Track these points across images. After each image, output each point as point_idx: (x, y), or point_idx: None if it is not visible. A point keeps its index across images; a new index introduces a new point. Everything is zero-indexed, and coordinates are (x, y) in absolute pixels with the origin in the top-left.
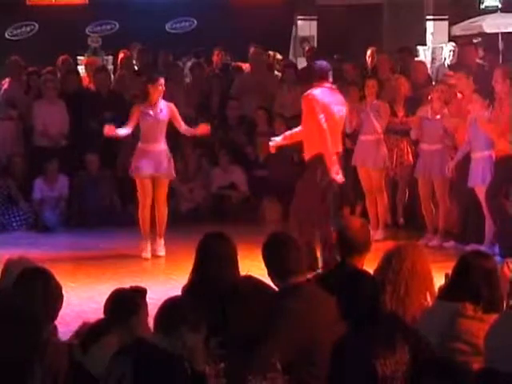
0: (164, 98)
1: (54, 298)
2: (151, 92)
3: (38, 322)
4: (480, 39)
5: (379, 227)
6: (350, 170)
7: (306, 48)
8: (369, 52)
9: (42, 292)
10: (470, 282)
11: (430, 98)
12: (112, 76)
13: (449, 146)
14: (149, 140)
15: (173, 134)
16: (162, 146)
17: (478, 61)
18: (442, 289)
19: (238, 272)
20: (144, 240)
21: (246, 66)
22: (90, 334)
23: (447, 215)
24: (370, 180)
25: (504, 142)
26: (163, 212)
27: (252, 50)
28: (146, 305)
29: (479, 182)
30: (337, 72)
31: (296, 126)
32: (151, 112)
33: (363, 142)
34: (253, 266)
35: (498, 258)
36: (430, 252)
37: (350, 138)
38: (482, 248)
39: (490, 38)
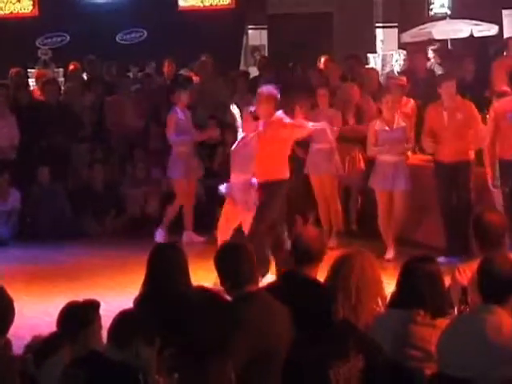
0: (113, 109)
1: (5, 311)
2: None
3: None
4: (436, 45)
5: (332, 234)
6: (301, 179)
7: (258, 57)
8: (322, 59)
9: None
10: (415, 287)
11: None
12: (62, 88)
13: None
14: None
15: (126, 144)
16: None
17: (428, 67)
18: (392, 295)
19: (190, 282)
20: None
21: (195, 76)
22: (42, 347)
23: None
24: (323, 188)
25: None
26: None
27: (200, 59)
28: (99, 318)
29: None
30: (290, 80)
31: None
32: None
33: (316, 150)
34: (206, 276)
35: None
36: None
37: (301, 146)
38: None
39: (441, 45)
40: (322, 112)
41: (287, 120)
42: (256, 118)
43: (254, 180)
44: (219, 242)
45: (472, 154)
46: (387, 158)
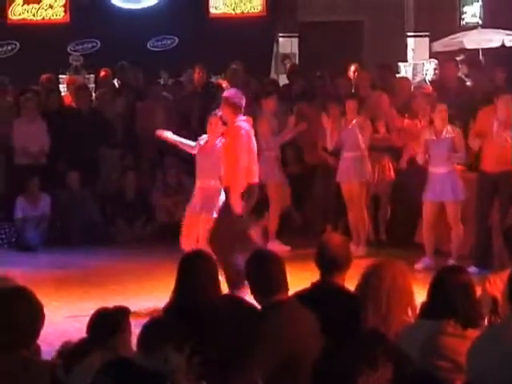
0: (144, 115)
1: (35, 317)
2: None
3: (11, 347)
4: (463, 56)
5: (361, 243)
6: (332, 187)
7: (288, 65)
8: (352, 68)
9: (22, 312)
10: (446, 297)
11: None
12: (93, 94)
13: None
14: None
15: (157, 150)
16: None
17: (459, 76)
18: (422, 306)
19: (220, 290)
20: None
21: (226, 84)
22: (72, 353)
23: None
24: (353, 196)
25: None
26: None
27: (230, 67)
28: (129, 324)
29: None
30: (319, 89)
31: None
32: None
33: (346, 158)
34: None
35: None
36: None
37: (333, 154)
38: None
39: (470, 54)
40: (350, 121)
41: (242, 131)
42: (225, 122)
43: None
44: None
45: None
46: (435, 169)
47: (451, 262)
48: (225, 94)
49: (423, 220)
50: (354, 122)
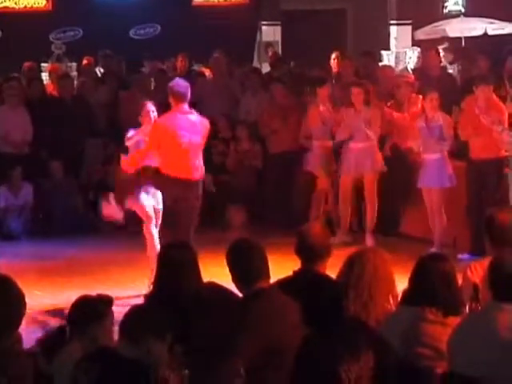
0: (127, 104)
1: (16, 306)
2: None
3: None
4: (448, 44)
5: (368, 233)
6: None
7: (270, 53)
8: (333, 56)
9: (3, 300)
10: (427, 285)
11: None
12: (75, 82)
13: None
14: None
15: None
16: None
17: (442, 64)
18: (404, 293)
19: (201, 279)
20: None
21: (208, 72)
22: (53, 342)
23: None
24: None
25: None
26: None
27: (213, 55)
28: (111, 314)
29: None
30: (298, 78)
31: (258, 132)
32: None
33: (355, 149)
34: (217, 272)
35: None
36: None
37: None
38: None
39: (454, 42)
40: (359, 113)
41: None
42: None
43: None
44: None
45: (502, 153)
46: (427, 156)
47: (433, 249)
48: (170, 83)
49: (427, 207)
50: (361, 111)
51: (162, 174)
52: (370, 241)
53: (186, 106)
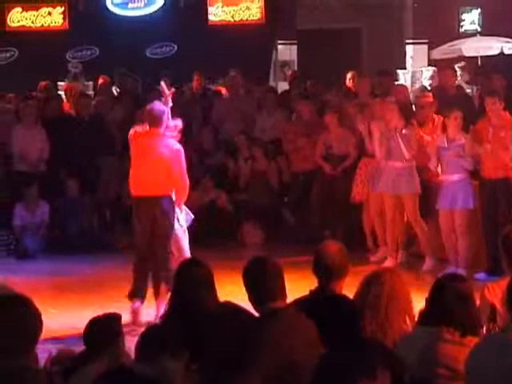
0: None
1: (33, 324)
2: None
3: (9, 354)
4: (463, 63)
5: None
6: (329, 194)
7: (289, 72)
8: (349, 75)
9: (20, 319)
10: (445, 305)
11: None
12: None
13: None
14: None
15: None
16: None
17: (458, 83)
18: (421, 313)
19: (217, 297)
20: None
21: (225, 91)
22: (71, 362)
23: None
24: (397, 207)
25: None
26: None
27: (229, 74)
28: (122, 329)
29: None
30: (315, 97)
31: (274, 151)
32: None
33: (393, 168)
34: (234, 290)
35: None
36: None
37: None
38: None
39: (470, 62)
40: (399, 132)
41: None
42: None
43: None
44: None
45: None
46: (447, 177)
47: (460, 271)
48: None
49: (441, 230)
50: (401, 130)
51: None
52: (429, 263)
53: (160, 130)
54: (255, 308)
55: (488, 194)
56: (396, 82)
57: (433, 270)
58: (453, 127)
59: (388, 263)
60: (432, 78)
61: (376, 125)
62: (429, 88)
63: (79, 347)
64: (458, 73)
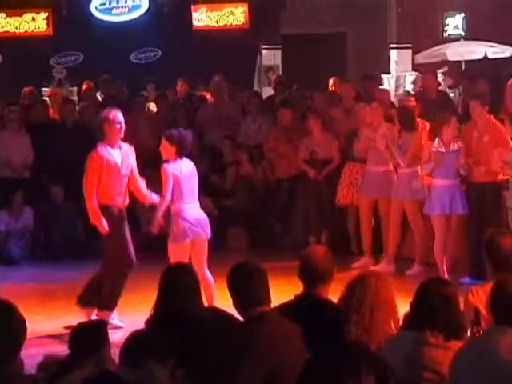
0: (128, 129)
1: (17, 331)
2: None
3: None
4: (446, 68)
5: (416, 263)
6: (313, 199)
7: (273, 77)
8: (331, 81)
9: (5, 326)
10: (429, 309)
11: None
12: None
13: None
14: None
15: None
16: None
17: (440, 88)
18: (405, 317)
19: (202, 302)
20: None
21: (209, 96)
22: (57, 368)
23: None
24: (396, 213)
25: None
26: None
27: (214, 79)
28: (108, 336)
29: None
30: (300, 102)
31: (259, 155)
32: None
33: (402, 174)
34: (218, 295)
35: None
36: None
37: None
38: None
39: (454, 66)
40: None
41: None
42: None
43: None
44: None
45: (501, 176)
46: (443, 181)
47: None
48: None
49: (436, 235)
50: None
51: None
52: (415, 270)
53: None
54: (240, 313)
55: (475, 197)
56: (380, 87)
57: (418, 274)
58: (449, 132)
59: (384, 267)
60: (415, 82)
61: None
62: (412, 92)
63: (64, 353)
64: (441, 78)
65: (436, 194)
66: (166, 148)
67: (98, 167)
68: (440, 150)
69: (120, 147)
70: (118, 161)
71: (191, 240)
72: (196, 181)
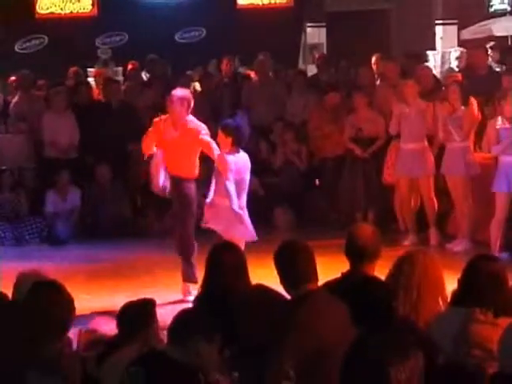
0: None
1: (65, 310)
2: None
3: (42, 339)
4: (493, 43)
5: (463, 237)
6: (359, 177)
7: (317, 55)
8: (373, 59)
9: (53, 305)
10: (477, 286)
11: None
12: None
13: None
14: None
15: None
16: None
17: (489, 63)
18: (453, 294)
19: (249, 281)
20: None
21: (254, 75)
22: (104, 346)
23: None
24: (457, 189)
25: None
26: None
27: (258, 58)
28: (156, 315)
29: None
30: (345, 78)
31: (305, 133)
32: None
33: (452, 149)
34: (265, 274)
35: None
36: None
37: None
38: None
39: (500, 41)
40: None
41: (204, 137)
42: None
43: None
44: None
45: None
46: (506, 158)
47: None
48: (180, 93)
49: (497, 212)
50: (461, 109)
51: None
52: (462, 245)
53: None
54: (287, 291)
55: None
56: (425, 64)
57: (467, 251)
58: (509, 107)
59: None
60: (459, 58)
61: (439, 107)
62: (456, 69)
63: (112, 332)
64: (490, 53)
65: (503, 171)
66: (221, 139)
67: None
68: (505, 126)
69: None
70: None
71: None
72: (248, 175)
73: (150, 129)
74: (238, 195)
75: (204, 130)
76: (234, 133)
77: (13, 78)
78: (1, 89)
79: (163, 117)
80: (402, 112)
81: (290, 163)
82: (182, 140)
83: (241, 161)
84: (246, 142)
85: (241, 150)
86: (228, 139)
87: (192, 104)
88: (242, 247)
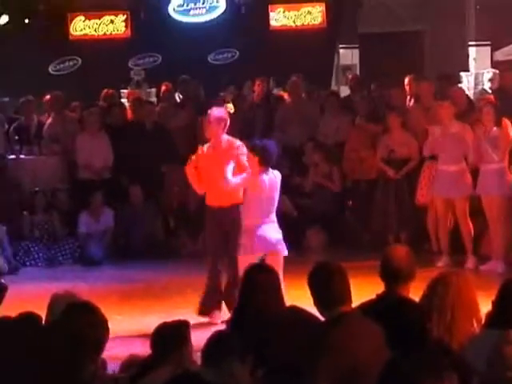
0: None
1: (99, 331)
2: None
3: (76, 361)
4: None
5: (497, 259)
6: (391, 198)
7: (350, 76)
8: (406, 80)
9: (87, 326)
10: (510, 307)
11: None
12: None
13: None
14: None
15: None
16: None
17: None
18: (487, 316)
19: (283, 302)
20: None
21: (287, 96)
22: (138, 368)
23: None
24: (491, 209)
25: None
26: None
27: (291, 79)
28: (190, 337)
29: None
30: (378, 99)
31: (338, 155)
32: None
33: (486, 170)
34: (298, 295)
35: None
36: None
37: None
38: None
39: None
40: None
41: (243, 157)
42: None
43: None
44: None
45: None
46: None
47: None
48: (217, 113)
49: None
50: (495, 130)
51: None
52: (498, 267)
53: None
54: (321, 312)
55: None
56: (458, 85)
57: (501, 272)
58: None
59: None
60: (492, 80)
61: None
62: (489, 91)
63: (146, 353)
64: None
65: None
66: (249, 159)
67: None
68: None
69: None
70: None
71: (262, 255)
72: (277, 194)
73: (191, 165)
74: (267, 214)
75: (241, 149)
76: (261, 152)
77: (47, 97)
78: (35, 109)
79: (200, 148)
80: (439, 133)
81: (320, 184)
82: (217, 159)
83: (270, 180)
84: (278, 165)
85: (271, 170)
86: (255, 159)
87: (228, 124)
88: (281, 268)
